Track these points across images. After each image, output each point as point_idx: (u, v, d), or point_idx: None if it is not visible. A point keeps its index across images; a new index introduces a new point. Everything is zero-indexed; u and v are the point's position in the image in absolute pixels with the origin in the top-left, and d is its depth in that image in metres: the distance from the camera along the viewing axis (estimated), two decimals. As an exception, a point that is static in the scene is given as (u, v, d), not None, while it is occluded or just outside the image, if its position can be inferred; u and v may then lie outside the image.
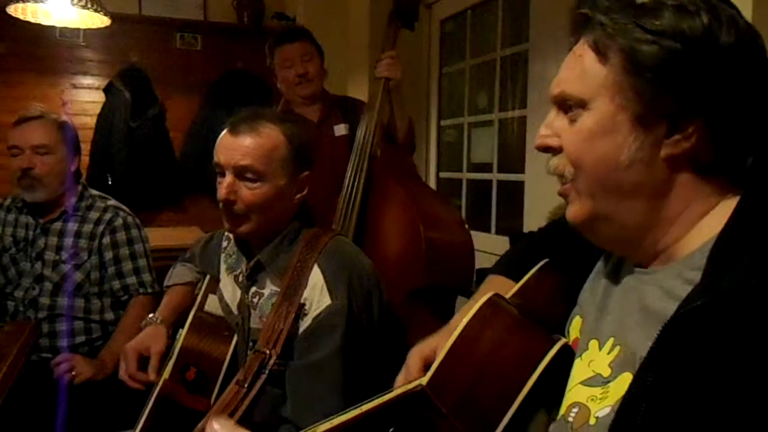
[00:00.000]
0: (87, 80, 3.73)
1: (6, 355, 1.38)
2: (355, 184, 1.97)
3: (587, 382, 0.71)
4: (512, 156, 2.64)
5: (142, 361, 1.37)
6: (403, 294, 1.74)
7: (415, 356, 0.95)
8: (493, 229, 2.74)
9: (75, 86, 3.72)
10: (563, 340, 0.80)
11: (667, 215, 0.67)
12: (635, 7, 0.64)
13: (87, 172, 3.79)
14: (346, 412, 0.77)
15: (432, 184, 3.15)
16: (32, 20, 2.37)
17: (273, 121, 1.29)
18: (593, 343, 0.74)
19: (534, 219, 2.36)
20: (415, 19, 2.09)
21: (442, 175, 3.16)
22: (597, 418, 0.67)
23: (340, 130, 2.23)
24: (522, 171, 2.49)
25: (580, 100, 0.67)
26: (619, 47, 0.64)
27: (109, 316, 1.95)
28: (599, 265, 0.82)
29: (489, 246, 2.62)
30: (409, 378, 0.94)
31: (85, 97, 3.73)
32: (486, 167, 2.81)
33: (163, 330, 1.43)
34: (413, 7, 2.06)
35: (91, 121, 3.64)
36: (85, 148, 3.80)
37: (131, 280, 1.96)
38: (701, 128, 0.63)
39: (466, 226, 1.96)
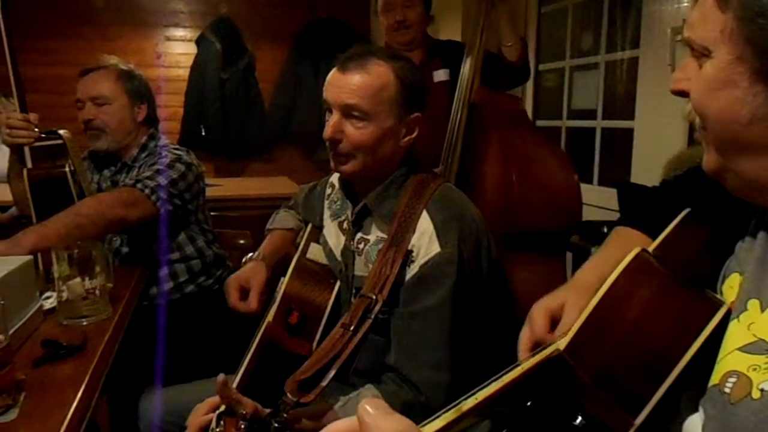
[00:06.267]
0: (179, 32, 3.79)
1: (120, 298, 1.42)
2: (456, 132, 1.93)
3: (747, 349, 0.63)
4: (619, 101, 2.46)
5: (244, 294, 1.38)
6: (499, 239, 1.71)
7: (540, 311, 0.88)
8: (596, 179, 2.59)
9: (168, 38, 3.79)
10: (726, 304, 0.70)
11: None
12: None
13: (181, 123, 3.89)
14: (487, 386, 0.70)
15: (528, 132, 3.01)
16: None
17: (384, 59, 1.22)
18: (753, 304, 0.66)
19: (643, 170, 2.20)
20: None
21: (540, 123, 3.01)
22: (762, 390, 0.59)
23: (440, 75, 2.16)
24: (631, 117, 2.32)
25: (703, 48, 0.62)
26: None
27: (189, 249, 1.94)
28: (758, 214, 0.73)
29: (591, 198, 2.48)
30: (535, 336, 0.87)
31: (178, 49, 3.79)
32: (589, 114, 2.64)
33: (263, 265, 1.41)
34: None
35: (184, 73, 3.71)
36: (179, 99, 3.89)
37: (144, 175, 1.78)
38: None
39: (575, 174, 1.86)
